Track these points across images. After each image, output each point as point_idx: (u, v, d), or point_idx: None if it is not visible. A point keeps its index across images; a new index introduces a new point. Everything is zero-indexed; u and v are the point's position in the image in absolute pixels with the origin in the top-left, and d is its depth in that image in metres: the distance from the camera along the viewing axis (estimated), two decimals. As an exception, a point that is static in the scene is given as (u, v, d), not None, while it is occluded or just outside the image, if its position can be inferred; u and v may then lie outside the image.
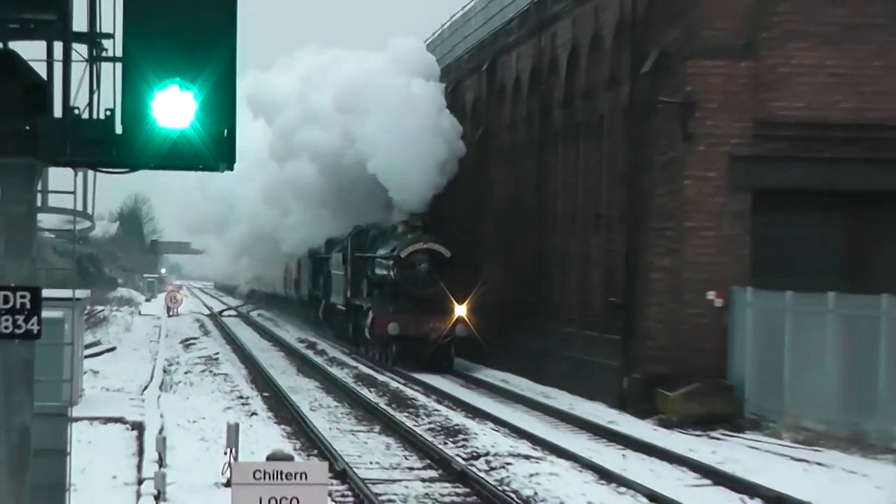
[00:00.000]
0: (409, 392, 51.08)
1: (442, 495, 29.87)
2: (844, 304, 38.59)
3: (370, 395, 50.29)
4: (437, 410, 44.80)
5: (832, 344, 38.49)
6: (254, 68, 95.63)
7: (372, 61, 77.12)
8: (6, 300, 12.83)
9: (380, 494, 28.84)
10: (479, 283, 62.04)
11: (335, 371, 61.47)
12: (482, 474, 31.69)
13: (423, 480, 31.69)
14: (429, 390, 52.02)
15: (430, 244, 61.69)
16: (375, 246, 70.13)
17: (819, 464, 33.70)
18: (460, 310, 59.59)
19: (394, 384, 54.41)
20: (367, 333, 65.83)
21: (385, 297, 64.22)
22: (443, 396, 49.86)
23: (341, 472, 30.95)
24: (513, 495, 29.09)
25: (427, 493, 30.06)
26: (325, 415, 43.76)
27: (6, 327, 12.86)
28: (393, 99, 67.09)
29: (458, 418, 42.26)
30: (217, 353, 70.39)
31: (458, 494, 30.02)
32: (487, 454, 34.75)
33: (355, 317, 73.13)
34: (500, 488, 29.83)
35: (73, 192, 13.65)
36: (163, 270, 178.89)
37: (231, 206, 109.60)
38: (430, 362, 59.76)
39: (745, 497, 29.70)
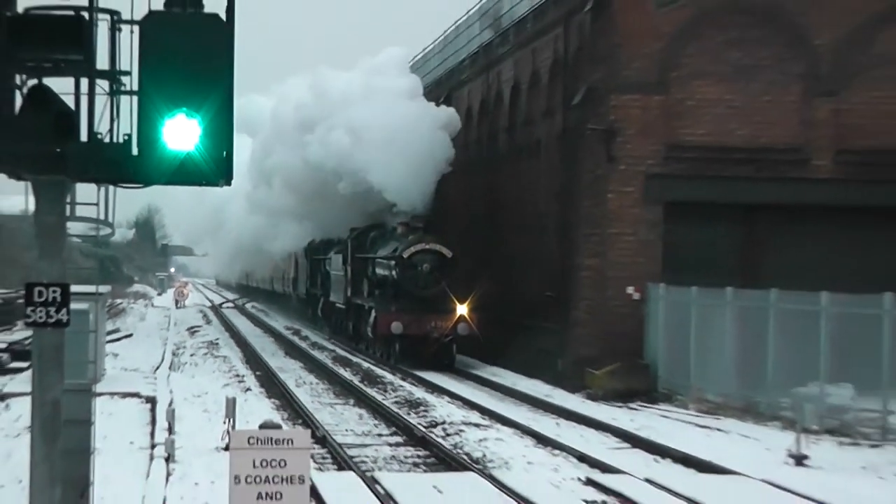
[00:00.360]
0: (378, 371, 50.96)
1: (406, 457, 29.85)
2: (739, 297, 38.88)
3: (346, 373, 50.25)
4: (402, 387, 44.84)
5: (729, 330, 38.65)
6: (252, 91, 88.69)
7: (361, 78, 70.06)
8: (40, 294, 12.73)
9: (354, 457, 28.77)
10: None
11: (316, 353, 61.21)
12: (440, 439, 31.72)
13: (391, 445, 31.64)
14: (395, 370, 51.49)
15: (432, 244, 54.85)
16: (376, 247, 62.15)
17: (718, 429, 33.78)
18: (462, 309, 52.79)
19: (366, 365, 54.29)
20: (369, 332, 58.15)
21: (387, 297, 56.70)
22: (406, 375, 49.54)
23: (322, 438, 30.87)
24: (465, 457, 29.08)
25: (396, 455, 29.82)
26: (307, 391, 43.67)
27: (40, 317, 12.75)
28: (391, 108, 61.50)
29: (419, 393, 42.31)
30: (217, 339, 70.17)
31: (419, 456, 30.01)
32: (444, 423, 34.77)
33: (356, 315, 64.47)
34: (454, 451, 29.82)
35: (97, 204, 13.55)
36: (172, 269, 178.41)
37: (222, 215, 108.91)
38: (431, 360, 52.77)
39: (658, 457, 29.75)
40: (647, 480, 25.35)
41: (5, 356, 45.29)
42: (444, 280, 54.09)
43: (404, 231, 57.83)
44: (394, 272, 55.66)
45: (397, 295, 55.58)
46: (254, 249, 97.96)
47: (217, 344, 66.02)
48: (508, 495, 23.15)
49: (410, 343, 53.69)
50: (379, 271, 59.52)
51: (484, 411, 37.48)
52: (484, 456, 29.27)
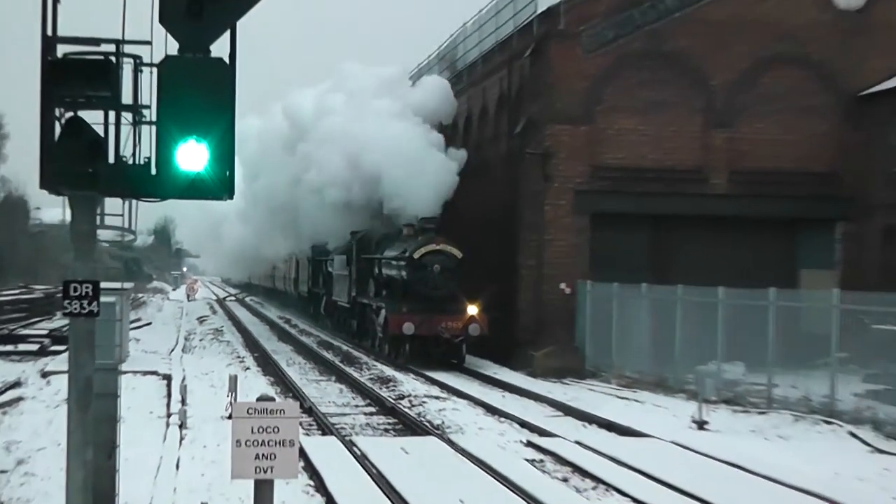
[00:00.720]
0: (355, 353, 50.76)
1: (378, 424, 29.86)
2: (652, 291, 39.21)
3: (328, 355, 50.04)
4: (375, 366, 44.71)
5: (644, 318, 38.86)
6: (252, 113, 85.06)
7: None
8: (75, 290, 12.68)
9: (335, 424, 28.76)
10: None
11: (304, 339, 60.91)
12: (406, 409, 31.74)
13: (366, 414, 31.64)
14: (370, 353, 51.01)
15: (443, 245, 47.43)
16: (381, 248, 53.93)
17: (635, 400, 33.87)
18: (472, 310, 46.01)
19: (345, 347, 53.94)
20: (379, 331, 50.82)
21: (398, 298, 49.18)
22: (378, 357, 49.04)
23: (308, 409, 30.84)
24: (427, 423, 29.13)
25: (370, 423, 29.80)
26: (296, 370, 43.58)
27: (75, 308, 12.69)
28: (398, 120, 53.56)
29: (389, 372, 42.20)
30: (222, 327, 69.95)
31: (389, 423, 30.02)
32: (409, 396, 34.81)
33: (360, 313, 56.46)
34: (418, 419, 29.88)
35: (122, 215, 13.50)
36: (184, 269, 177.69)
37: (221, 227, 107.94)
38: (442, 360, 45.93)
39: (586, 423, 29.87)
40: (577, 442, 25.48)
41: (47, 340, 45.09)
42: (455, 281, 46.86)
43: (411, 233, 50.27)
44: (403, 273, 48.25)
45: (407, 295, 48.10)
46: (251, 254, 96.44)
47: (221, 331, 65.84)
48: (463, 455, 23.19)
49: (421, 343, 46.49)
50: (387, 272, 51.83)
51: (443, 386, 37.59)
52: (443, 423, 29.34)
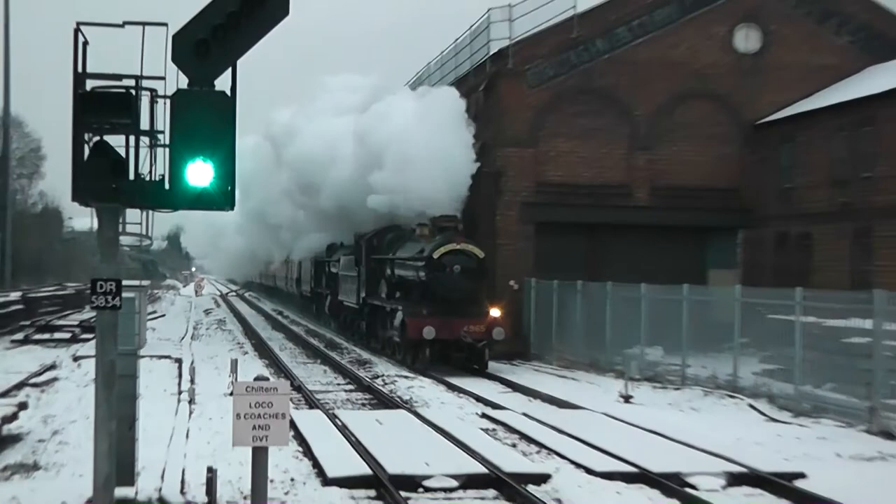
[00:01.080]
0: (337, 339, 50.52)
1: (357, 399, 29.79)
2: (586, 287, 39.19)
3: (314, 341, 49.76)
4: (354, 351, 44.54)
5: (580, 310, 38.83)
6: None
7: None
8: (101, 287, 12.59)
9: (320, 399, 28.68)
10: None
11: (293, 328, 60.54)
12: (379, 386, 31.67)
13: (346, 391, 31.55)
14: (347, 339, 50.33)
15: (463, 244, 39.14)
16: (393, 248, 44.90)
17: (573, 379, 34.06)
18: (495, 312, 38.53)
19: (328, 336, 53.59)
20: (395, 336, 41.01)
21: (415, 300, 40.54)
22: (356, 343, 48.23)
23: (297, 387, 30.73)
24: (398, 399, 29.08)
25: (350, 399, 29.70)
26: (287, 354, 43.37)
27: (101, 303, 12.60)
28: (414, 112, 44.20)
29: (365, 355, 42.04)
30: (224, 318, 69.61)
31: (366, 397, 29.94)
32: (383, 376, 34.67)
33: (371, 315, 46.52)
34: (390, 395, 29.84)
35: (140, 223, 13.44)
36: (193, 269, 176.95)
37: (221, 237, 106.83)
38: (463, 366, 38.25)
39: (531, 398, 29.93)
40: (524, 414, 25.47)
41: (78, 330, 44.88)
42: (476, 282, 38.86)
43: (425, 232, 41.54)
44: (421, 274, 39.50)
45: (427, 298, 39.38)
46: (249, 257, 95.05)
47: (224, 321, 65.53)
48: (428, 425, 23.16)
49: (442, 348, 38.03)
50: (401, 273, 42.67)
51: (410, 368, 37.43)
52: (411, 398, 29.28)
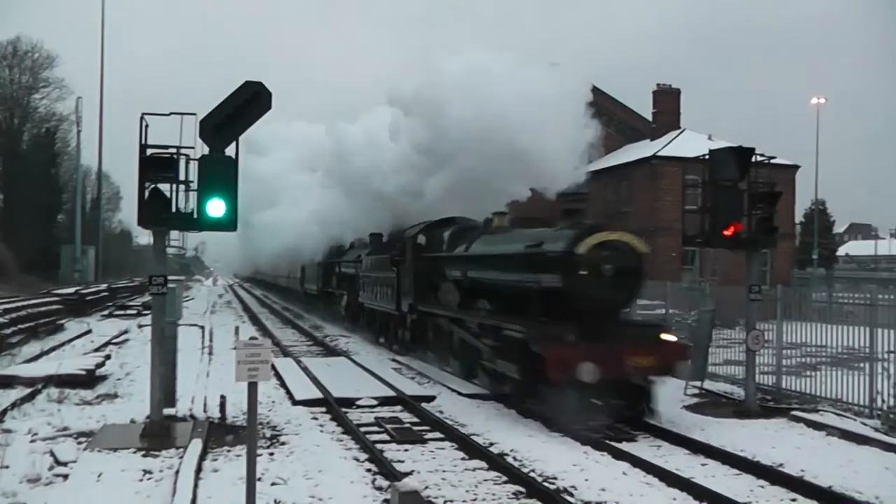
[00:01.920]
0: (310, 320, 48.99)
1: (314, 351, 29.31)
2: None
3: (290, 315, 48.45)
4: (312, 321, 43.72)
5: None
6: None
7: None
8: (154, 280, 12.83)
9: (290, 351, 28.40)
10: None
11: (275, 306, 58.86)
12: (327, 342, 31.33)
13: (307, 346, 31.12)
14: (307, 322, 47.70)
15: (620, 234, 13.89)
16: (455, 245, 20.87)
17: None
18: (668, 336, 13.88)
19: (307, 326, 51.22)
20: (511, 372, 14.35)
21: (553, 318, 14.15)
22: (321, 319, 45.48)
23: (277, 343, 30.41)
24: (340, 350, 28.77)
25: (309, 350, 29.00)
26: (271, 323, 42.65)
27: (155, 290, 12.83)
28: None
29: (320, 324, 41.30)
30: (230, 300, 68.24)
31: (319, 351, 29.41)
32: (329, 336, 34.31)
33: (419, 327, 23.78)
34: (335, 347, 29.52)
35: (178, 239, 13.60)
36: (212, 269, 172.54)
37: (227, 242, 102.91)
38: (622, 415, 13.22)
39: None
40: (419, 360, 25.22)
41: (141, 308, 44.31)
42: (638, 291, 14.69)
43: (504, 222, 19.75)
44: (547, 278, 14.69)
45: (568, 315, 13.97)
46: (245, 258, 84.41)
47: (230, 302, 64.44)
48: (357, 365, 23.06)
49: (600, 391, 12.86)
50: (490, 276, 18.09)
51: (349, 332, 36.41)
52: (348, 350, 28.77)
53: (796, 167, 45.70)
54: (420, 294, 23.34)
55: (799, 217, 59.41)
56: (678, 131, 49.29)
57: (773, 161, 16.27)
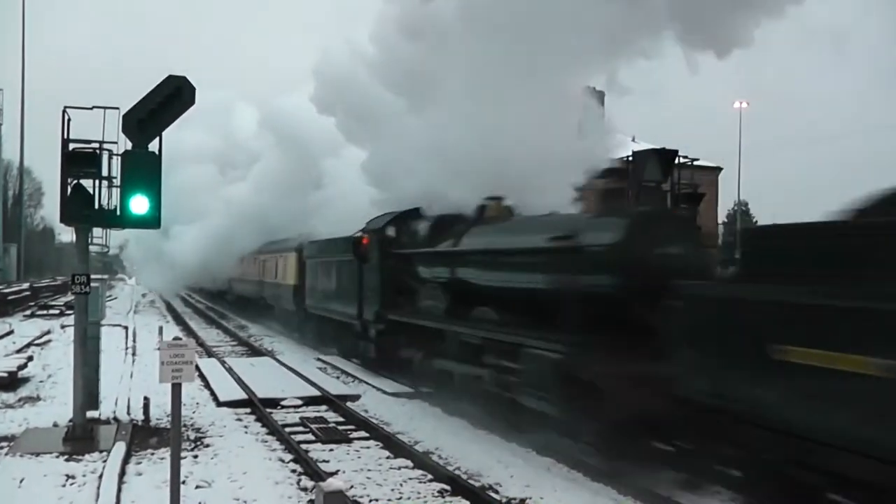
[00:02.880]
0: (235, 320, 48.37)
1: (238, 351, 29.09)
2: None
3: (214, 315, 47.94)
4: (237, 321, 43.26)
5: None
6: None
7: None
8: (77, 279, 12.55)
9: (214, 352, 28.13)
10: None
11: (199, 305, 57.99)
12: (252, 342, 31.13)
13: (231, 346, 30.92)
14: (232, 322, 46.90)
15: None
16: (435, 240, 15.75)
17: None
18: None
19: (232, 325, 50.62)
20: (552, 408, 10.10)
21: (588, 332, 9.08)
22: (249, 319, 44.62)
23: (201, 343, 30.12)
24: (264, 350, 28.58)
25: (233, 350, 28.85)
26: (195, 323, 42.05)
27: (78, 290, 12.54)
28: None
29: (245, 324, 40.97)
30: (154, 300, 66.83)
31: (244, 351, 29.22)
32: (254, 336, 34.12)
33: (383, 339, 18.69)
34: (260, 347, 29.32)
35: (101, 237, 13.30)
36: (135, 266, 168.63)
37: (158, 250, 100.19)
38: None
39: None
40: (343, 359, 25.13)
41: (64, 307, 43.33)
42: None
43: (497, 211, 14.84)
44: (595, 280, 10.11)
45: (618, 327, 9.40)
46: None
47: (154, 302, 63.09)
48: (282, 364, 23.01)
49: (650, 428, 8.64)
50: (520, 279, 12.27)
51: (274, 333, 35.82)
52: (272, 350, 28.74)
53: (719, 169, 46.93)
54: (389, 300, 18.25)
55: (722, 217, 61.01)
56: (602, 133, 50.00)
57: (696, 163, 16.73)
